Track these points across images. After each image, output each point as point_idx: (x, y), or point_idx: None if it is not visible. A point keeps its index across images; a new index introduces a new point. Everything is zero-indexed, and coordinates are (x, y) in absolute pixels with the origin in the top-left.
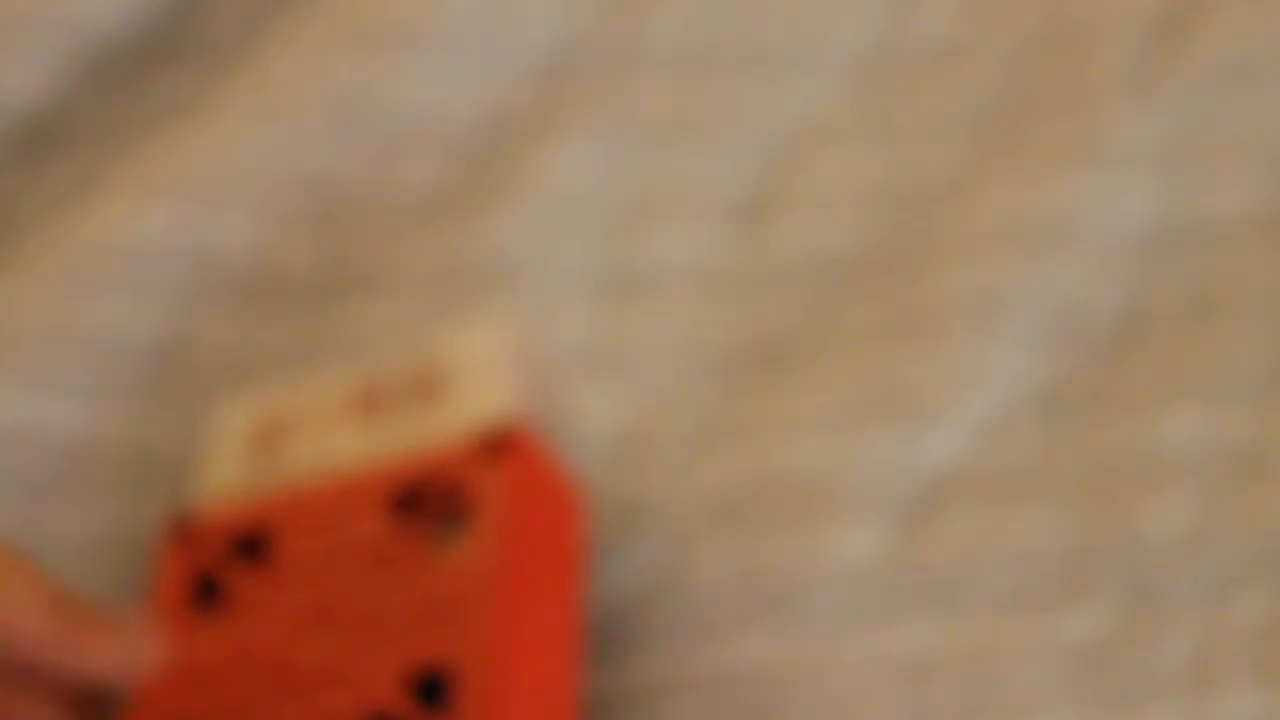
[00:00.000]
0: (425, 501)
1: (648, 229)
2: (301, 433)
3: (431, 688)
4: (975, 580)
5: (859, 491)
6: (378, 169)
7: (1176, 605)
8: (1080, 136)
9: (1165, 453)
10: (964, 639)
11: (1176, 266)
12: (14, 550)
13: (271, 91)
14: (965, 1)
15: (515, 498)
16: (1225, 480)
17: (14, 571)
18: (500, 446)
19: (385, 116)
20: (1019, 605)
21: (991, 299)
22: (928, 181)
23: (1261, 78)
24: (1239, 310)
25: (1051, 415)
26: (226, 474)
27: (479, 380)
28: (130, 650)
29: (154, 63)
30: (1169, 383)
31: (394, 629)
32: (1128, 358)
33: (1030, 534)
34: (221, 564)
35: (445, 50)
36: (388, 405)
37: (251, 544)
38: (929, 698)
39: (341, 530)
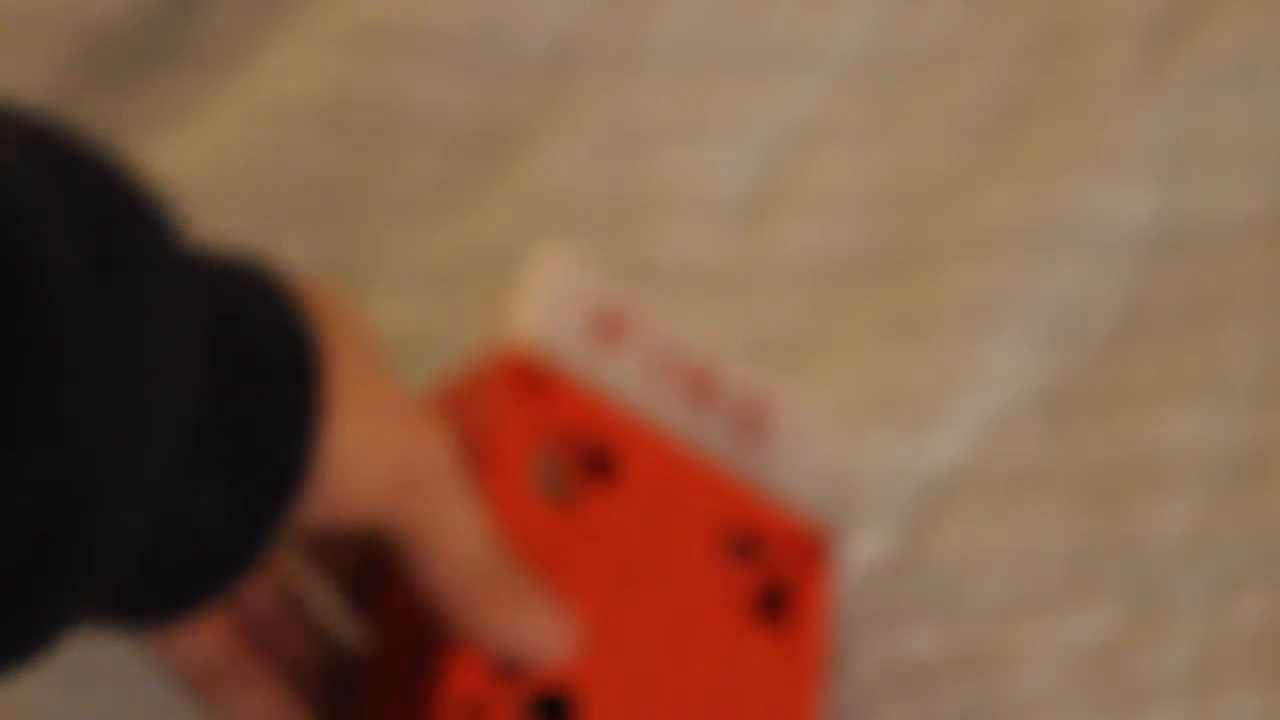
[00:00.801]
0: (755, 565)
1: (647, 228)
2: (639, 356)
3: None
4: (977, 582)
5: (862, 496)
6: (376, 167)
7: (1179, 607)
8: (1081, 137)
9: (1166, 454)
10: (967, 641)
11: (1177, 267)
12: (466, 479)
13: (270, 90)
14: (966, 2)
15: (827, 610)
16: (1226, 482)
17: (472, 513)
18: (826, 548)
19: (384, 115)
20: (1021, 606)
21: (992, 299)
22: (929, 182)
23: (1262, 78)
24: (1239, 311)
25: (1052, 416)
26: (564, 340)
27: (802, 451)
28: (547, 633)
29: (153, 61)
30: (1169, 384)
31: (694, 689)
32: (1128, 358)
33: (1032, 536)
34: (571, 460)
35: (444, 49)
36: (717, 403)
37: (599, 457)
38: (932, 700)
39: (674, 519)
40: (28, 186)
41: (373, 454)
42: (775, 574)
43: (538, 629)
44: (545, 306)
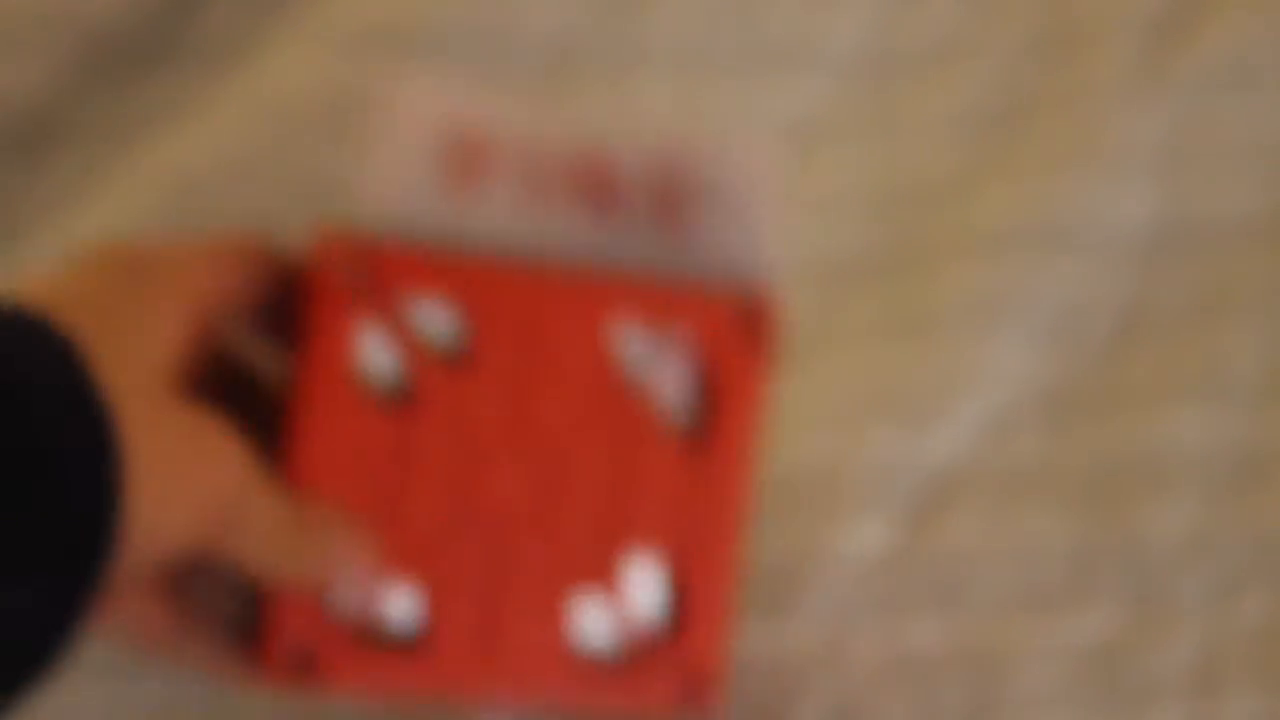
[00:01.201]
0: (673, 366)
1: None
2: (512, 181)
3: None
4: (979, 579)
5: (864, 489)
6: None
7: (1179, 608)
8: (1080, 137)
9: (1167, 454)
10: (968, 637)
11: (1176, 267)
12: (255, 452)
13: (270, 89)
14: (965, 2)
15: (760, 393)
16: (1226, 482)
17: (263, 484)
18: (757, 325)
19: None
20: (1023, 605)
21: (992, 299)
22: (929, 182)
23: (1261, 79)
24: (1239, 311)
25: (1053, 416)
26: (406, 195)
27: (734, 216)
28: (344, 562)
29: (152, 61)
30: (1170, 384)
31: (611, 503)
32: (1128, 358)
33: (1034, 534)
34: (411, 340)
35: (444, 49)
36: (618, 197)
37: (448, 329)
38: (933, 694)
39: (560, 351)
40: None
41: (175, 502)
42: (701, 363)
43: (342, 556)
44: (383, 172)
